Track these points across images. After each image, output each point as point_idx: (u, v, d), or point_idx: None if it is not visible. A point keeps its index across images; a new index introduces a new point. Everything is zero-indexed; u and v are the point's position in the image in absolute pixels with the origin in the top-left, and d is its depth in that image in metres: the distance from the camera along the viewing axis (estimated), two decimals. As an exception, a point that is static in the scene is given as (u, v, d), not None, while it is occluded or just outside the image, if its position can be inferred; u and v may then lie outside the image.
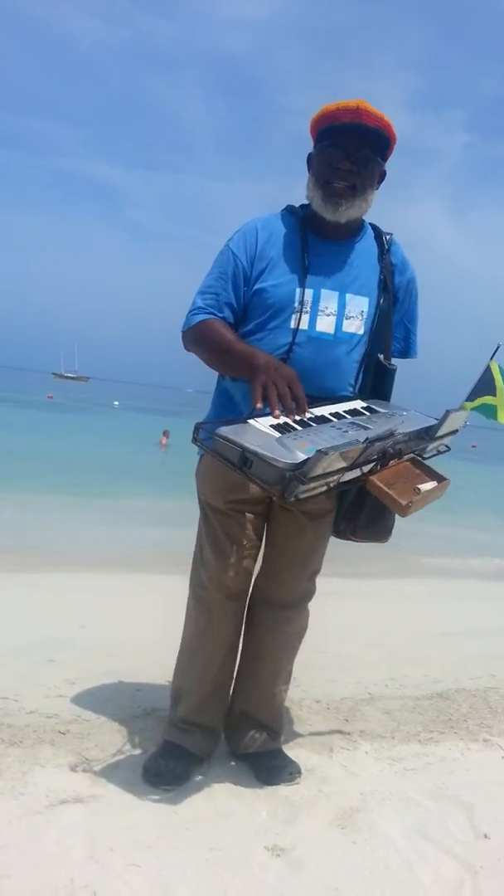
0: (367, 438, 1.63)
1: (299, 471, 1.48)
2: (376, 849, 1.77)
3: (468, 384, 2.17)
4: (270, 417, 1.68)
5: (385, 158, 1.91)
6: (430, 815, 1.95)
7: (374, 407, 1.96)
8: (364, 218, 2.00)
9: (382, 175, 1.93)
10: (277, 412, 1.68)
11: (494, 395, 1.94)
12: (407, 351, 2.13)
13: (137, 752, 2.15)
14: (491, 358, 1.95)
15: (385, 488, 1.69)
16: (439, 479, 1.83)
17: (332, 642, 3.37)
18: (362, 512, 1.96)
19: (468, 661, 3.44)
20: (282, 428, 1.66)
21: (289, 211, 2.00)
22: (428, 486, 1.77)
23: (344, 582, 4.93)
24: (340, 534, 2.07)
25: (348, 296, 1.94)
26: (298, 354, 1.89)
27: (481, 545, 8.54)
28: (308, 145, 1.94)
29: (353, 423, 1.78)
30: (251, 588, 2.10)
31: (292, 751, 2.21)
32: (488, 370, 1.95)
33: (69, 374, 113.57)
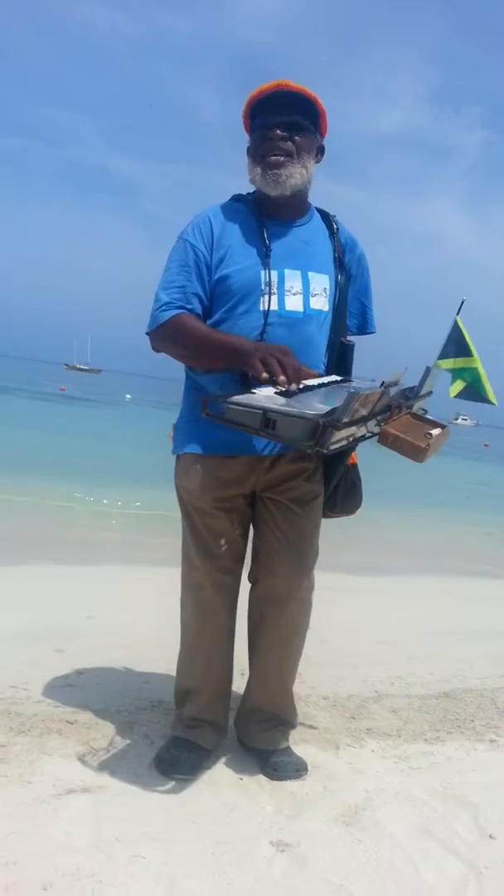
0: (382, 382, 1.65)
1: (332, 416, 1.47)
2: (381, 847, 1.77)
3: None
4: (270, 388, 1.66)
5: (317, 129, 1.92)
6: (435, 814, 1.95)
7: (349, 379, 1.99)
8: (310, 201, 2.02)
9: (321, 149, 1.95)
10: (282, 379, 1.66)
11: (470, 355, 1.93)
12: (364, 326, 2.15)
13: (144, 743, 2.17)
14: (457, 313, 1.94)
15: (402, 435, 1.72)
16: (441, 426, 1.86)
17: (339, 639, 3.37)
18: (339, 488, 2.08)
19: (476, 660, 3.43)
20: (285, 394, 1.65)
21: (236, 199, 2.00)
22: (435, 431, 1.79)
23: (352, 579, 4.93)
24: (324, 514, 2.12)
25: (310, 274, 1.95)
26: (273, 335, 1.88)
27: (491, 544, 8.51)
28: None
29: (343, 386, 1.80)
30: (253, 588, 2.09)
31: (299, 747, 2.21)
32: (456, 326, 1.94)
33: (82, 367, 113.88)
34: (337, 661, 3.11)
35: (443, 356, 1.94)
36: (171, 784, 1.95)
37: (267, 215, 1.94)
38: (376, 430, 1.72)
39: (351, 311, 2.09)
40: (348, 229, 2.09)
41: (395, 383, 1.75)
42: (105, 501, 8.06)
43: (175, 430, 2.08)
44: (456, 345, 1.92)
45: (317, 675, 2.82)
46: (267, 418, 1.50)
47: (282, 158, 1.86)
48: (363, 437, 1.72)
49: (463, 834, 1.87)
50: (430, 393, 2.05)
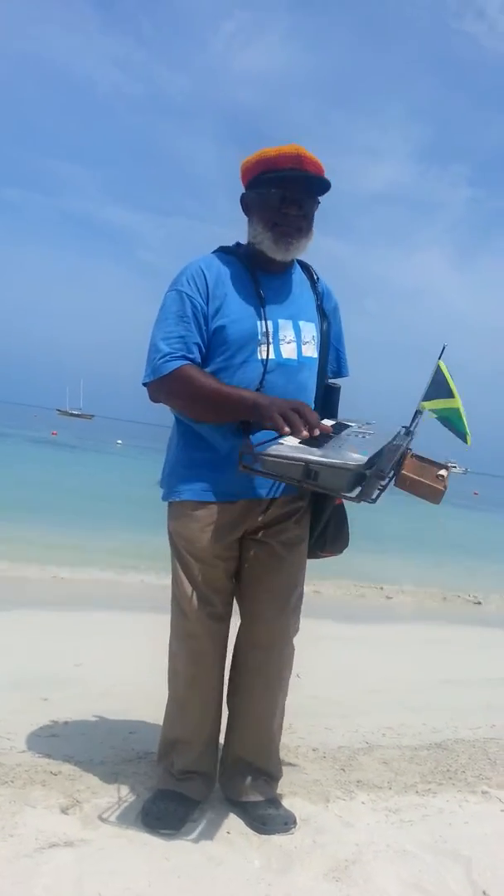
0: (407, 430, 1.72)
1: (376, 468, 1.51)
2: (371, 903, 1.73)
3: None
4: (292, 438, 1.68)
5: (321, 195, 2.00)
6: (427, 868, 1.90)
7: (344, 422, 2.03)
8: None
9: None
10: (305, 434, 1.68)
11: (452, 396, 1.98)
12: (340, 370, 2.21)
13: (130, 795, 2.12)
14: (439, 357, 2.00)
15: (420, 479, 1.77)
16: (443, 466, 1.89)
17: (329, 688, 3.33)
18: (328, 528, 2.09)
19: (467, 710, 3.39)
20: (310, 443, 1.68)
21: (225, 251, 2.04)
22: (443, 472, 1.83)
23: (340, 626, 4.88)
24: (310, 554, 2.12)
25: (301, 322, 2.01)
26: (271, 382, 1.92)
27: (481, 592, 8.46)
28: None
29: (355, 432, 1.86)
30: (238, 633, 2.09)
31: (287, 799, 2.17)
32: (439, 370, 1.99)
33: (74, 412, 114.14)
34: (326, 712, 3.07)
35: (426, 398, 2.00)
36: (156, 838, 1.91)
37: (259, 268, 1.99)
38: (394, 475, 1.75)
39: (328, 358, 2.14)
40: (324, 280, 2.16)
41: (408, 433, 1.82)
42: (93, 544, 8.01)
43: (167, 476, 2.07)
44: (438, 387, 1.98)
45: (306, 725, 2.78)
46: (309, 469, 1.53)
47: (293, 231, 1.92)
48: (387, 485, 1.73)
49: (455, 889, 1.82)
50: (412, 436, 2.12)
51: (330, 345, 2.14)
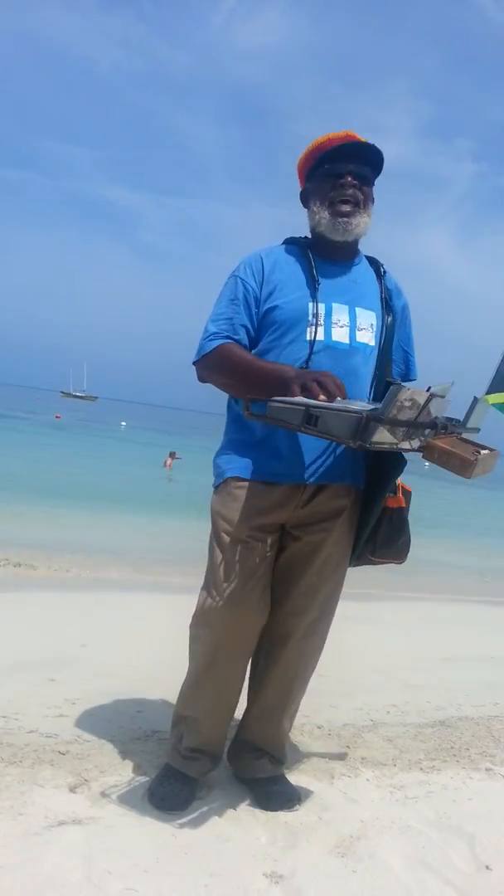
0: (429, 388, 1.64)
1: (376, 410, 1.48)
2: (376, 878, 1.75)
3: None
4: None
5: (377, 176, 1.99)
6: (431, 844, 1.92)
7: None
8: (359, 248, 2.06)
9: (373, 199, 2.00)
10: (323, 397, 1.65)
11: None
12: (408, 373, 2.17)
13: (137, 774, 2.14)
14: None
15: (449, 447, 1.69)
16: (490, 448, 1.81)
17: (334, 667, 3.34)
18: (380, 529, 1.99)
19: (471, 688, 3.41)
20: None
21: (289, 242, 2.05)
22: (485, 451, 1.75)
23: (345, 605, 4.89)
24: (359, 559, 2.06)
25: (358, 309, 1.98)
26: (318, 364, 1.89)
27: (488, 570, 8.49)
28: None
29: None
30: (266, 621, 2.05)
31: (293, 776, 2.19)
32: None
33: (78, 394, 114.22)
34: (332, 690, 3.09)
35: (490, 391, 1.91)
36: (163, 815, 1.93)
37: (318, 255, 1.99)
38: (422, 444, 1.69)
39: (394, 359, 2.10)
40: (394, 278, 2.12)
41: (443, 395, 1.72)
42: (97, 526, 8.05)
43: (215, 460, 2.06)
44: (502, 379, 1.89)
45: (311, 703, 2.80)
46: (309, 414, 1.52)
47: (350, 207, 1.92)
48: (410, 450, 1.69)
49: (459, 865, 1.85)
50: (477, 430, 2.01)
51: (398, 346, 2.10)
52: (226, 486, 1.99)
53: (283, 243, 2.06)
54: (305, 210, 2.02)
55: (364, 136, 1.94)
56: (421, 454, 1.72)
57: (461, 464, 1.68)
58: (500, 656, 4.17)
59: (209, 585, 1.99)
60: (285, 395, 1.72)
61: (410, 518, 2.04)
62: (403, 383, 1.93)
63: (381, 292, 2.06)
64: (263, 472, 1.94)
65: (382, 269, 2.10)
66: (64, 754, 2.22)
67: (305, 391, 1.68)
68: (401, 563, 2.08)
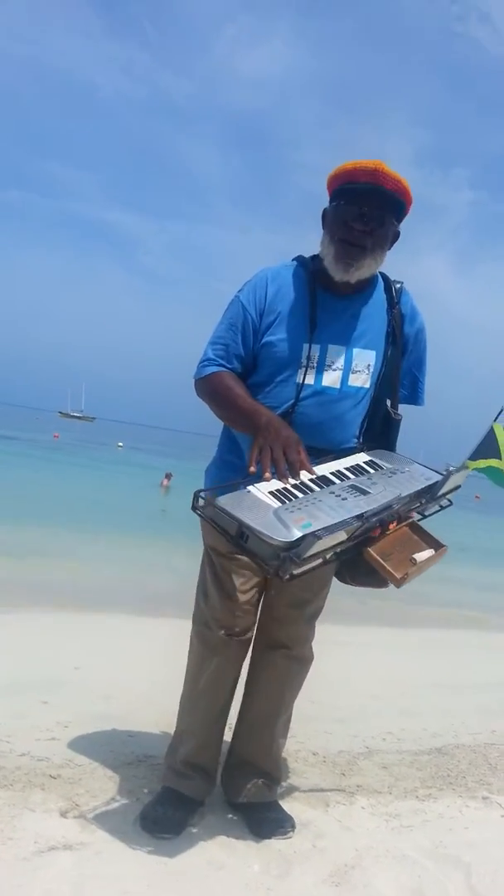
0: (362, 515, 1.63)
1: (293, 551, 1.47)
2: (371, 908, 1.72)
3: (473, 437, 2.16)
4: (269, 485, 1.66)
5: (400, 220, 1.91)
6: (426, 874, 1.90)
7: (376, 462, 1.96)
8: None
9: (396, 236, 1.93)
10: (268, 475, 1.66)
11: (500, 458, 1.95)
12: (414, 398, 2.12)
13: (129, 799, 2.11)
14: (495, 419, 1.96)
15: (381, 560, 1.69)
16: (437, 546, 1.83)
17: (328, 693, 3.32)
18: (360, 566, 1.92)
19: (467, 715, 3.38)
20: (281, 495, 1.64)
21: (300, 263, 2.01)
22: (424, 555, 1.77)
23: (340, 630, 4.86)
24: (340, 577, 2.07)
25: (355, 350, 1.95)
26: (304, 409, 1.90)
27: (481, 597, 8.45)
28: (323, 201, 1.96)
29: (353, 486, 1.77)
30: (255, 634, 2.09)
31: (287, 804, 2.16)
32: (491, 432, 1.95)
33: (76, 414, 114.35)
34: (326, 716, 3.06)
35: (473, 457, 1.95)
36: (155, 841, 1.90)
37: (324, 287, 1.94)
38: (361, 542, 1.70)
39: (403, 383, 2.07)
40: (412, 301, 2.06)
41: (387, 509, 1.72)
42: (93, 549, 8.00)
43: (205, 475, 2.11)
44: (488, 447, 1.94)
45: (306, 730, 2.77)
46: (241, 531, 1.52)
47: (356, 251, 1.85)
48: (347, 552, 1.69)
49: (455, 895, 1.82)
50: (458, 487, 2.01)
51: (407, 371, 2.07)
52: None
53: (294, 260, 2.03)
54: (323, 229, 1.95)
55: (342, 159, 1.85)
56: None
57: (390, 578, 1.70)
58: (496, 682, 4.13)
59: (202, 588, 2.06)
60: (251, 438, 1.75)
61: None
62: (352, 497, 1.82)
63: (390, 323, 2.00)
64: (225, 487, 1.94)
65: (396, 294, 2.02)
66: (55, 778, 2.19)
67: (260, 454, 1.69)
68: (382, 588, 2.00)
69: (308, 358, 1.91)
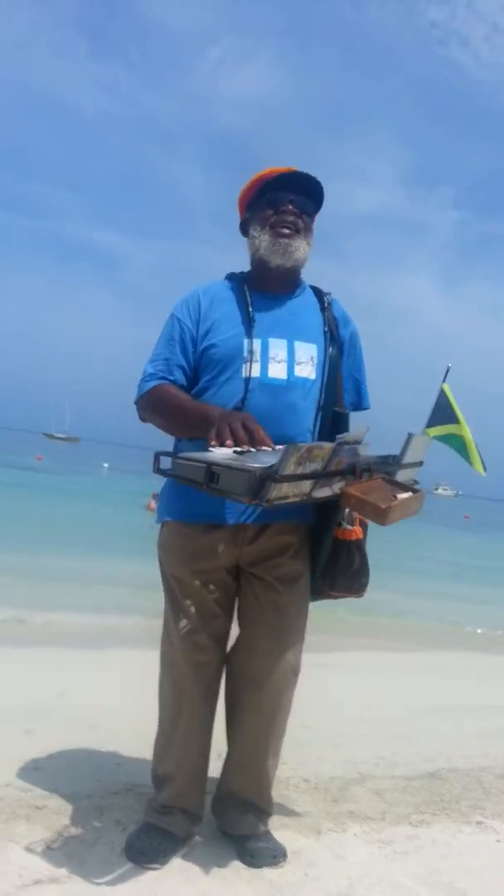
0: (337, 438, 1.61)
1: (271, 468, 1.44)
2: (366, 940, 1.68)
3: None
4: (227, 449, 1.63)
5: (317, 211, 2.02)
6: (421, 903, 1.85)
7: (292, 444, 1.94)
8: (302, 278, 2.08)
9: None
10: (230, 442, 1.63)
11: (456, 422, 1.93)
12: (360, 402, 2.14)
13: (116, 829, 2.06)
14: (443, 380, 1.95)
15: (362, 496, 1.64)
16: (413, 490, 1.79)
17: (320, 717, 3.28)
18: (338, 562, 1.95)
19: (461, 738, 3.35)
20: (241, 452, 1.62)
21: (229, 277, 2.07)
22: (404, 495, 1.72)
23: (332, 655, 4.83)
24: (318, 593, 2.04)
25: (297, 343, 1.96)
26: (254, 401, 1.89)
27: (471, 616, 8.44)
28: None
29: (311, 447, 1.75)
30: (230, 666, 2.04)
31: (278, 832, 2.11)
32: (443, 393, 1.94)
33: (59, 435, 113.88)
34: (318, 741, 3.02)
35: (430, 424, 1.94)
36: (144, 873, 1.85)
37: (256, 288, 1.99)
38: (338, 491, 1.66)
39: (346, 388, 2.08)
40: (342, 307, 2.12)
41: (355, 441, 1.70)
42: (77, 574, 7.91)
43: (160, 498, 2.07)
44: (442, 412, 1.93)
45: (297, 756, 2.73)
46: (211, 472, 1.49)
47: (290, 231, 1.93)
48: (325, 498, 1.67)
49: (451, 925, 1.78)
50: (420, 463, 2.01)
51: (348, 375, 2.09)
52: (167, 529, 2.00)
53: (225, 278, 2.08)
54: (246, 240, 2.03)
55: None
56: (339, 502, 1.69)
57: (375, 511, 1.63)
58: (488, 705, 4.11)
59: (165, 626, 2.01)
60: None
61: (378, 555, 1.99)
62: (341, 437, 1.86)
63: (326, 323, 2.04)
64: (203, 515, 1.92)
65: (327, 300, 2.08)
66: (40, 809, 2.13)
67: (219, 434, 1.66)
68: (360, 597, 2.03)
69: (251, 352, 1.91)
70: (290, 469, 1.46)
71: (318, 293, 2.10)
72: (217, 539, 1.93)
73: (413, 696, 4.18)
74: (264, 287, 2.00)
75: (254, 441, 1.66)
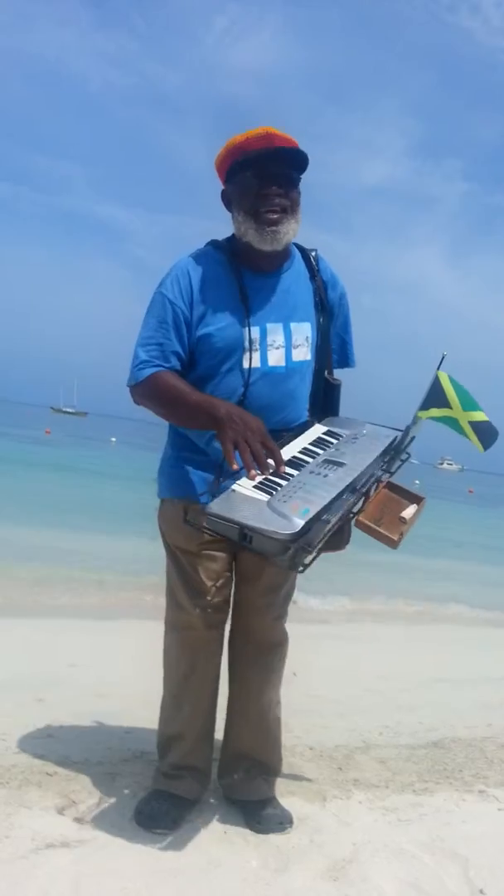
0: (353, 486, 1.67)
1: (303, 540, 1.48)
2: (369, 903, 1.72)
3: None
4: (248, 481, 1.65)
5: (301, 174, 1.90)
6: (424, 868, 1.90)
7: (334, 431, 1.97)
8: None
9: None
10: (254, 473, 1.64)
11: (450, 407, 1.94)
12: (345, 360, 2.14)
13: (126, 795, 2.11)
14: (438, 368, 1.96)
15: (375, 527, 1.74)
16: (417, 500, 1.86)
17: (326, 687, 3.33)
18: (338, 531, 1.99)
19: (464, 709, 3.39)
20: (265, 486, 1.64)
21: (215, 246, 1.97)
22: (410, 511, 1.81)
23: (337, 626, 4.89)
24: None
25: (292, 325, 1.94)
26: (256, 392, 1.89)
27: (475, 590, 8.48)
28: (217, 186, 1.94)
29: (326, 460, 1.78)
30: (232, 625, 2.09)
31: (284, 799, 2.16)
32: (437, 380, 1.95)
33: (68, 410, 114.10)
34: (323, 710, 3.07)
35: (423, 407, 1.96)
36: (153, 838, 1.90)
37: (248, 267, 1.92)
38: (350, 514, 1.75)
39: (332, 347, 2.09)
40: (329, 266, 2.08)
41: (371, 477, 1.78)
42: (86, 548, 7.97)
43: (159, 473, 2.08)
44: (437, 396, 1.94)
45: (303, 724, 2.78)
46: (243, 533, 1.51)
47: (277, 216, 1.83)
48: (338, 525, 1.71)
49: (453, 889, 1.82)
50: (412, 439, 2.05)
51: (335, 335, 2.09)
52: (170, 505, 2.00)
53: (209, 245, 1.99)
54: (229, 212, 1.93)
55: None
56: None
57: (388, 542, 1.75)
58: (491, 677, 4.15)
59: (170, 592, 2.04)
60: (216, 433, 1.74)
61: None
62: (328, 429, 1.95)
63: (316, 292, 2.01)
64: (196, 494, 1.92)
65: (315, 262, 2.02)
66: (52, 775, 2.19)
67: (238, 450, 1.66)
68: (342, 551, 2.05)
69: (250, 341, 1.88)
70: (321, 539, 1.52)
71: (304, 255, 2.04)
72: None
73: (417, 667, 4.22)
74: (254, 264, 1.92)
75: (275, 464, 1.69)
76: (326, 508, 1.56)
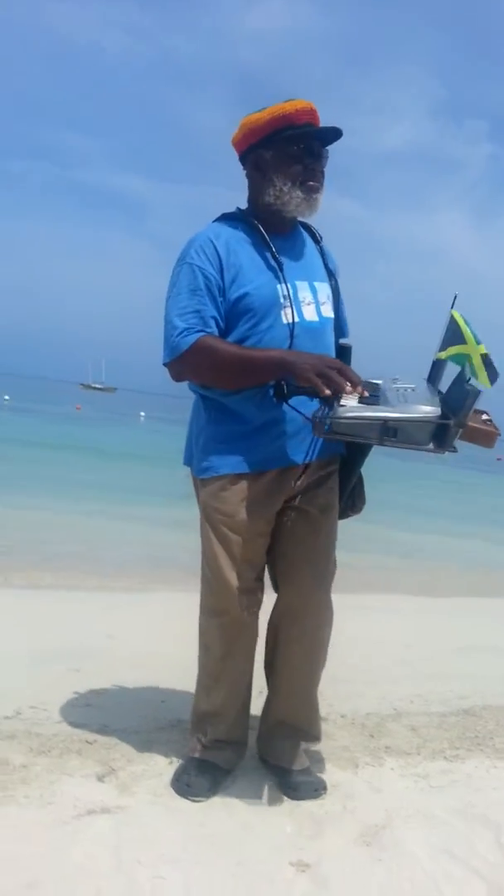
0: (468, 379, 1.71)
1: (456, 417, 1.54)
2: (402, 867, 1.76)
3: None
4: (351, 398, 1.70)
5: None
6: (456, 833, 1.93)
7: (371, 381, 1.97)
8: None
9: None
10: (349, 388, 1.70)
11: (465, 343, 1.94)
12: (343, 331, 2.17)
13: (163, 762, 2.17)
14: (451, 307, 1.95)
15: (478, 426, 1.77)
16: (483, 412, 1.88)
17: (357, 656, 3.36)
18: (356, 488, 2.13)
19: (494, 677, 3.40)
20: (365, 401, 1.70)
21: (229, 217, 2.01)
22: (486, 416, 1.85)
23: (370, 597, 4.91)
24: (341, 516, 2.13)
25: (316, 283, 2.01)
26: (299, 345, 1.91)
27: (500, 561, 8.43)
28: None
29: (396, 388, 1.82)
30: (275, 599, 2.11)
31: (317, 765, 2.20)
32: (452, 320, 1.94)
33: (97, 385, 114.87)
34: (355, 678, 3.10)
35: (442, 347, 1.96)
36: (190, 804, 1.96)
37: (270, 230, 1.96)
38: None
39: (339, 317, 2.13)
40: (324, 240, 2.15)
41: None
42: (121, 522, 8.07)
43: (200, 452, 2.02)
44: (453, 334, 1.93)
45: (335, 692, 2.81)
46: (387, 427, 1.57)
47: (320, 186, 1.94)
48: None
49: (485, 854, 1.85)
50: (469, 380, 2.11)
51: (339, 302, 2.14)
52: (220, 482, 1.97)
53: (221, 220, 2.01)
54: (253, 175, 1.98)
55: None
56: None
57: (487, 438, 1.78)
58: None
59: (209, 576, 2.03)
60: (295, 380, 1.78)
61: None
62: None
63: (323, 258, 2.09)
64: (258, 463, 1.94)
65: (317, 234, 2.11)
66: (91, 744, 2.25)
67: (326, 380, 1.70)
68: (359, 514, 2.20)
69: (286, 297, 1.92)
70: (471, 411, 1.57)
71: (305, 227, 2.11)
72: (268, 484, 1.96)
73: (448, 638, 4.23)
74: (273, 229, 1.97)
75: (357, 385, 1.73)
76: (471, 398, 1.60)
